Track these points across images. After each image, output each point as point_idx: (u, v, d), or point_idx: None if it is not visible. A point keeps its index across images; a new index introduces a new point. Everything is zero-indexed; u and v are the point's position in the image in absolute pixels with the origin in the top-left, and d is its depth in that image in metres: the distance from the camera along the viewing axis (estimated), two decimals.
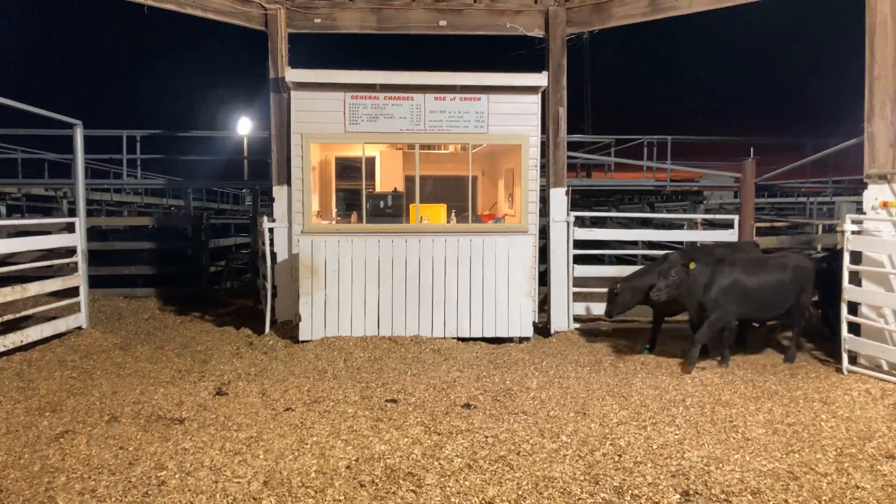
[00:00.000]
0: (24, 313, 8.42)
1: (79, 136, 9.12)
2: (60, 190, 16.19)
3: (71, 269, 9.24)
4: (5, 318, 7.96)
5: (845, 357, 7.29)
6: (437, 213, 9.93)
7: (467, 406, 6.11)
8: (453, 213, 10.10)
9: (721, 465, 4.77)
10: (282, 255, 9.78)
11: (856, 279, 7.52)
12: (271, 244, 9.67)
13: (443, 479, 4.50)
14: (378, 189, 10.42)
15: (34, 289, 8.29)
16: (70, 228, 9.12)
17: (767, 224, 11.74)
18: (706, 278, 7.48)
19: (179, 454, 4.91)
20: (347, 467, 4.70)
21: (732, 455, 4.95)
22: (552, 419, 5.75)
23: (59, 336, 8.55)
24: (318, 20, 10.06)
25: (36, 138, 17.02)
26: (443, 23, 10.10)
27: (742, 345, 8.43)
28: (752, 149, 17.06)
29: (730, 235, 9.86)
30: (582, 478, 4.54)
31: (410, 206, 9.68)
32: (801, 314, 8.01)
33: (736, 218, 9.90)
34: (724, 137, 20.50)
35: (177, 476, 4.53)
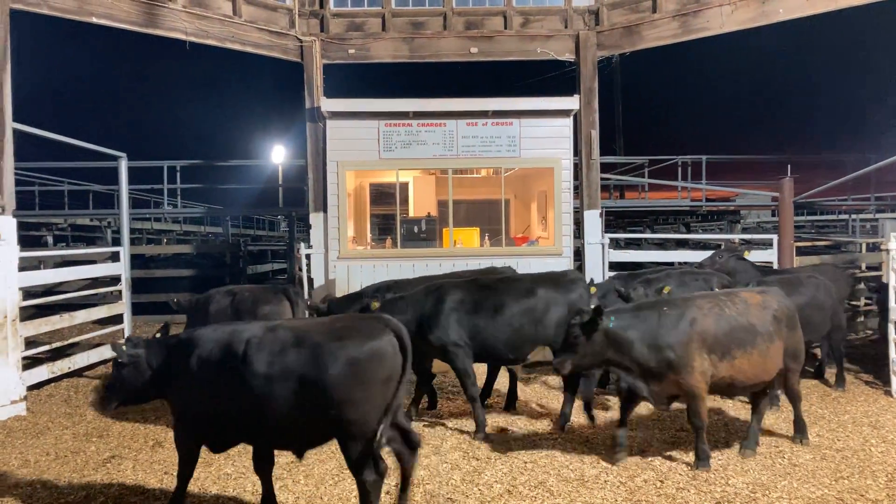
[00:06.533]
0: (71, 340, 8.67)
1: (123, 167, 9.42)
2: (105, 220, 16.70)
3: (115, 296, 9.49)
4: (54, 345, 8.21)
5: (894, 380, 7.07)
6: (470, 237, 9.98)
7: (504, 430, 6.08)
8: (486, 237, 10.14)
9: (767, 491, 4.66)
10: (318, 281, 9.92)
11: None
12: (308, 270, 9.82)
13: None
14: (412, 214, 10.53)
15: (81, 316, 8.52)
16: (115, 257, 9.38)
17: (808, 243, 11.45)
18: None
19: (222, 479, 4.98)
20: (387, 493, 4.71)
21: (779, 482, 4.83)
22: (591, 443, 5.69)
23: (104, 362, 8.77)
24: (351, 51, 10.30)
25: (80, 170, 17.60)
26: (474, 50, 10.25)
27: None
28: (789, 167, 16.80)
29: (769, 255, 9.68)
30: None
31: (444, 230, 9.75)
32: None
33: (775, 237, 9.73)
34: (760, 156, 20.19)
35: (220, 501, 4.60)
